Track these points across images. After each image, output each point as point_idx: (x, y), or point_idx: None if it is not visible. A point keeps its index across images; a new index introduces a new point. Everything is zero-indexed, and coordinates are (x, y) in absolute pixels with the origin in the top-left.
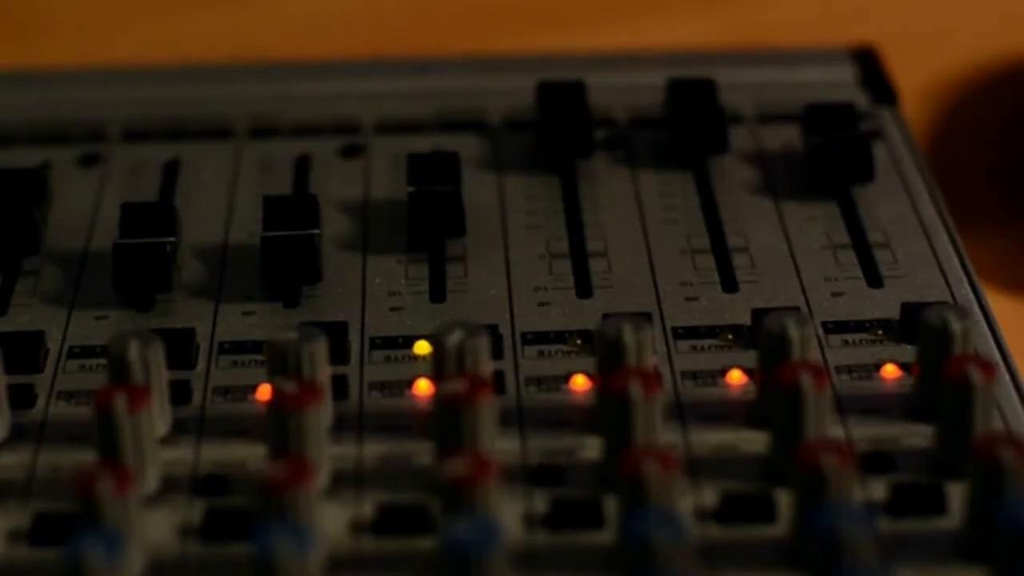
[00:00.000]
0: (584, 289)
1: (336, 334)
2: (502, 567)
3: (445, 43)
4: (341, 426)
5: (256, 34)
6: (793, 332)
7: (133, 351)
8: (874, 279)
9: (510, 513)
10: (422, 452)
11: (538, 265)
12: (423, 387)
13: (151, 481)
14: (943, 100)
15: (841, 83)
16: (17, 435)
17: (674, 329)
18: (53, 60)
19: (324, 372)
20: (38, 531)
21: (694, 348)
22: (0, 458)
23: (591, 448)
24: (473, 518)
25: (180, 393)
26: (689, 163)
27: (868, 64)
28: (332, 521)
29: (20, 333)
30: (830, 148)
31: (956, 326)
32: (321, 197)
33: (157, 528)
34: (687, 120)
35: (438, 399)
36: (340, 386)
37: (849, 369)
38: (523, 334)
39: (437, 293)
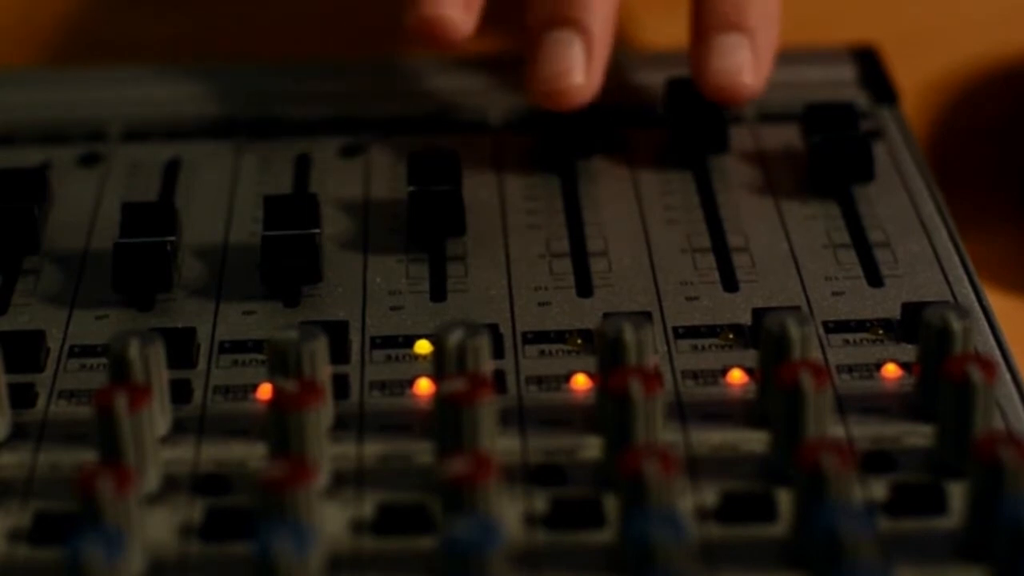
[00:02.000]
0: (584, 288)
1: (337, 333)
2: (502, 567)
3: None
4: (342, 425)
5: (257, 33)
6: (793, 331)
7: (133, 350)
8: (874, 278)
9: (510, 513)
10: (422, 452)
11: (538, 264)
12: (424, 386)
13: (151, 480)
14: (943, 99)
15: (841, 83)
16: (18, 434)
17: (675, 328)
18: (53, 60)
19: (325, 371)
20: (39, 530)
21: (695, 347)
22: (1, 457)
23: (591, 448)
24: (473, 518)
25: (181, 392)
26: (689, 163)
27: (868, 64)
28: (332, 521)
29: (21, 332)
30: (830, 148)
31: (956, 325)
32: (321, 197)
33: (157, 527)
34: (687, 120)
35: (439, 398)
36: (341, 385)
37: (850, 369)
38: (524, 333)
39: (437, 292)
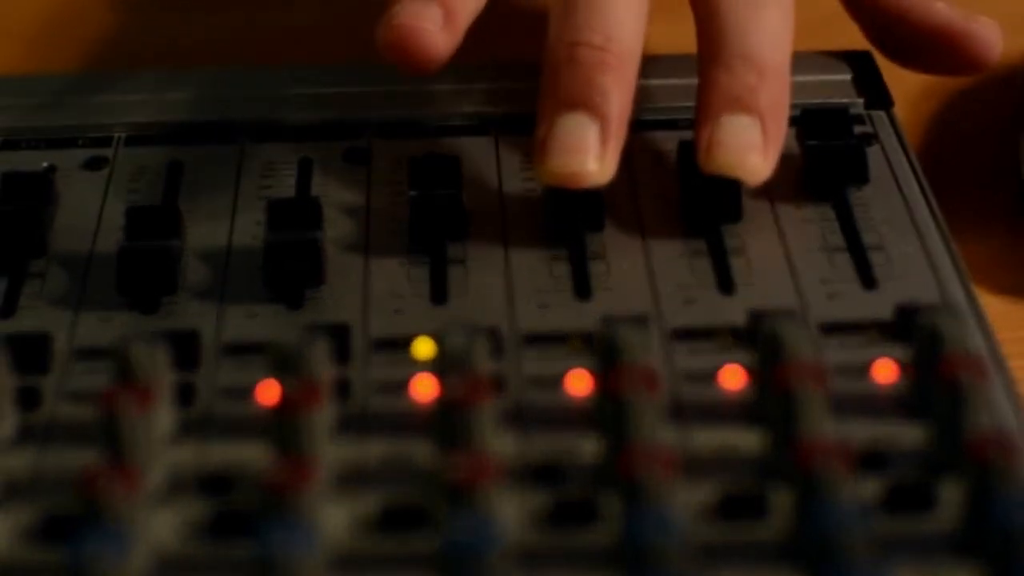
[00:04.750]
0: (584, 291)
1: (339, 336)
2: (502, 567)
3: None
4: (343, 427)
5: (260, 37)
6: (789, 333)
7: (138, 353)
8: (868, 281)
9: (510, 513)
10: (423, 453)
11: (538, 267)
12: (424, 388)
13: (155, 481)
14: (938, 102)
15: (836, 87)
16: (23, 436)
17: (672, 330)
18: (58, 64)
19: (327, 373)
20: (44, 531)
21: (692, 349)
22: (7, 459)
23: (590, 449)
24: (473, 518)
25: (185, 394)
26: (702, 232)
27: (863, 68)
28: (333, 521)
29: (27, 335)
30: (825, 151)
31: (948, 327)
32: (323, 200)
33: (161, 528)
34: (699, 188)
35: (440, 400)
36: (342, 387)
37: (844, 370)
38: (523, 336)
39: (439, 295)
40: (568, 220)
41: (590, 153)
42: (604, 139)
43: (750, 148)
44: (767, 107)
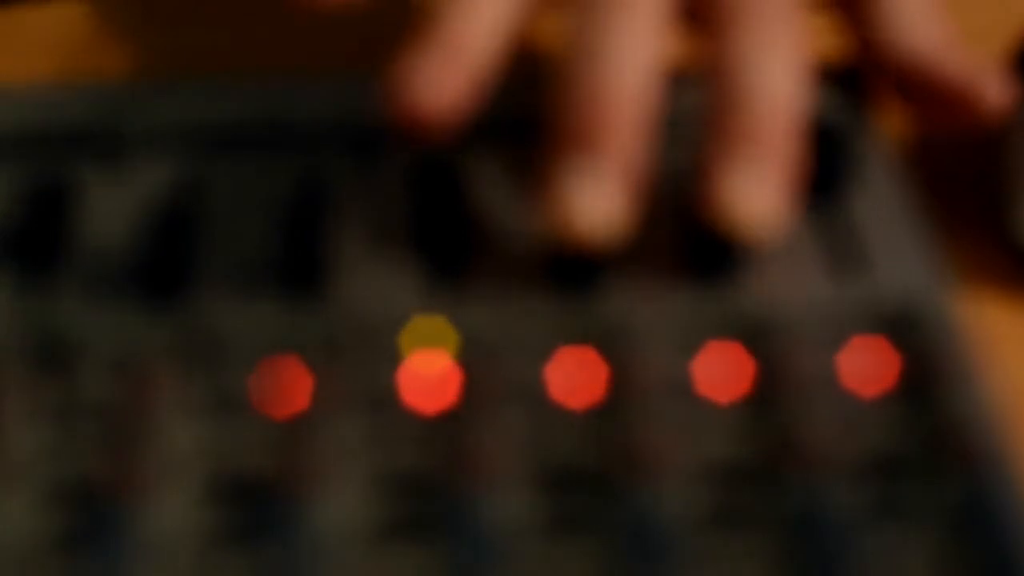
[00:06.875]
0: (584, 288)
1: (343, 336)
2: (503, 569)
3: None
4: (344, 426)
5: (266, 43)
6: (779, 331)
7: (150, 352)
8: (856, 282)
9: (510, 513)
10: (423, 453)
11: (539, 266)
12: (425, 388)
13: (161, 480)
14: None
15: (822, 92)
16: (33, 434)
17: (669, 328)
18: (79, 74)
19: (329, 372)
20: (48, 529)
21: (689, 347)
22: (14, 455)
23: (591, 447)
24: (473, 519)
25: (192, 392)
26: (701, 272)
27: (847, 75)
28: (334, 521)
29: (42, 336)
30: (812, 157)
31: (931, 330)
32: (328, 204)
33: (166, 525)
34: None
35: (440, 400)
36: (345, 387)
37: (829, 369)
38: (525, 335)
39: (441, 296)
40: (573, 262)
41: (599, 208)
42: (615, 185)
43: (753, 199)
44: (773, 156)
